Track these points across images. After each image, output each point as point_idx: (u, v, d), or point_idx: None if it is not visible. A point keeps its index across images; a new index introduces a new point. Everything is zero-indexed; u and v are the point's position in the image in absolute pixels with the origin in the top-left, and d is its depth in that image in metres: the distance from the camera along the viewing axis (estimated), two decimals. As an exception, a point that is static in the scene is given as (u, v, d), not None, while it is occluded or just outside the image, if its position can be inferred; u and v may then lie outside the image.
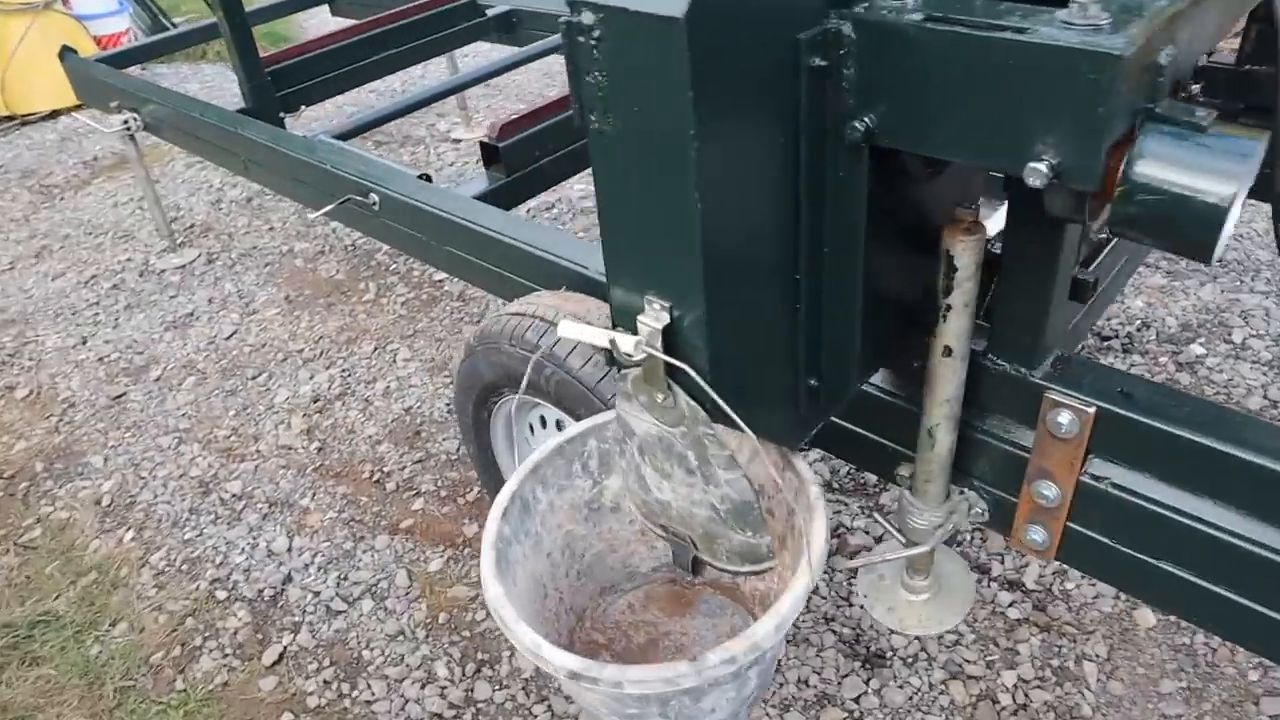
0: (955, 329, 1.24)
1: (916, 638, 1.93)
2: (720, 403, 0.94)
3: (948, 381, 1.29)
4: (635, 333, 0.96)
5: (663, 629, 1.51)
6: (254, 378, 2.98)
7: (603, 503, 1.39)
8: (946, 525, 1.44)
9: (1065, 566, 2.01)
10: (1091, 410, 1.24)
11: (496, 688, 1.99)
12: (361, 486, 2.54)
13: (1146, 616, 1.92)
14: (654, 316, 0.95)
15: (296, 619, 2.19)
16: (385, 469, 2.58)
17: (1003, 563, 2.08)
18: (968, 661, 1.89)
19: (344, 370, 2.96)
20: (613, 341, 0.94)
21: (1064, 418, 1.26)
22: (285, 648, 2.12)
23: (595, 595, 1.51)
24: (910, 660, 1.91)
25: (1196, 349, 2.59)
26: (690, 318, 0.94)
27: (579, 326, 0.97)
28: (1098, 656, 1.86)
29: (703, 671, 0.98)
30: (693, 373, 0.93)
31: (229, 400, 2.90)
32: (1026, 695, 1.82)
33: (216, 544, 2.39)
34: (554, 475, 1.33)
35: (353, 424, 2.75)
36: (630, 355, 0.96)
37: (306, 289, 3.42)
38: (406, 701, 1.98)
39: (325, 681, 2.04)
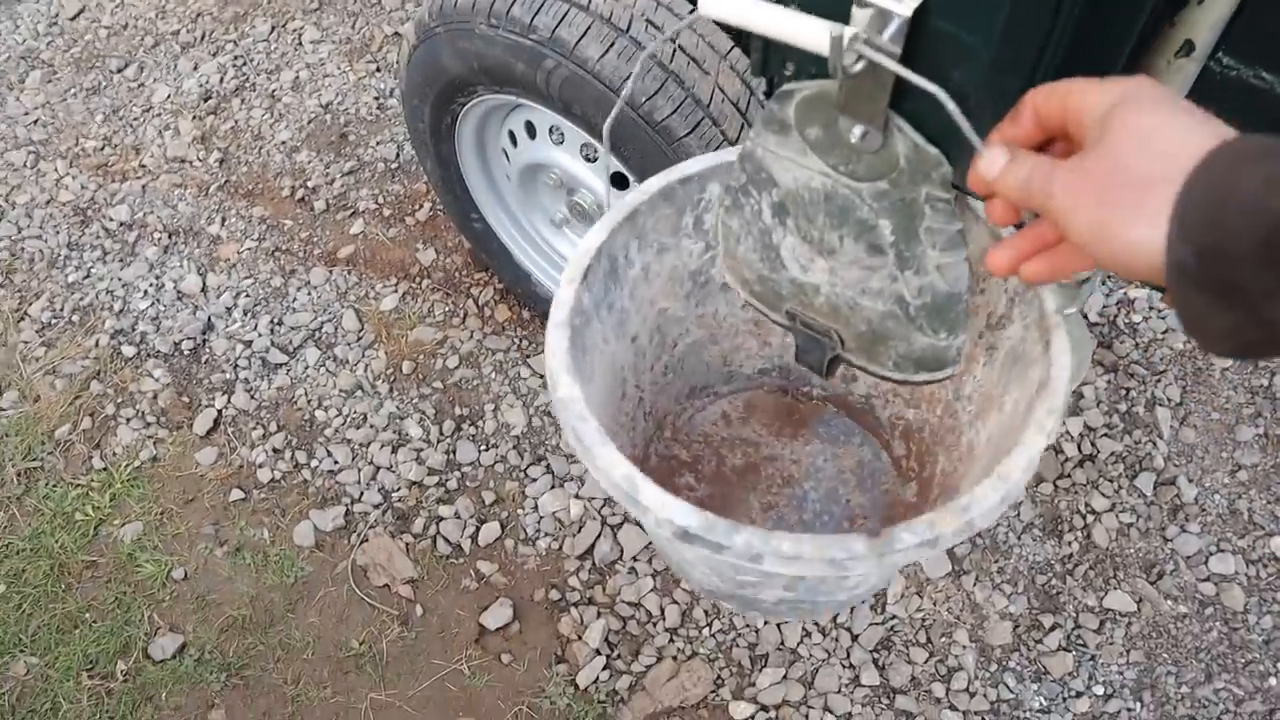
0: (1212, 14, 0.83)
1: (968, 382, 1.69)
2: (962, 121, 0.54)
3: (1170, 92, 0.90)
4: (846, 20, 0.54)
5: (765, 451, 1.17)
6: (120, 70, 2.34)
7: (713, 276, 0.99)
8: (1094, 277, 1.12)
9: (1130, 296, 1.76)
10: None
11: (483, 447, 1.71)
12: (283, 207, 2.07)
13: (1224, 353, 1.71)
14: (890, -7, 0.52)
15: (227, 376, 1.81)
16: (309, 183, 2.09)
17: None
18: (1028, 409, 1.67)
19: (236, 58, 2.35)
20: (837, 44, 0.51)
21: (1318, 143, 0.91)
22: (220, 412, 1.77)
23: (682, 397, 1.14)
24: (962, 408, 1.68)
25: None
26: (968, -4, 0.51)
27: (771, 10, 0.53)
28: (1170, 401, 1.66)
29: (886, 555, 0.66)
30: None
31: (92, 101, 2.29)
32: (1094, 444, 1.63)
33: (111, 286, 1.94)
34: (656, 229, 0.91)
35: (258, 127, 2.20)
36: (856, 62, 0.53)
37: (169, -53, 2.66)
38: (378, 470, 1.69)
39: (275, 450, 1.72)
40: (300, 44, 2.36)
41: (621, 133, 1.23)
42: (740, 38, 1.24)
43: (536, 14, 1.23)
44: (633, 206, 0.84)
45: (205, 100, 2.26)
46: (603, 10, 1.21)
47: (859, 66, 0.54)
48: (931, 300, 0.70)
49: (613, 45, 1.20)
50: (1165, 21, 0.86)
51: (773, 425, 1.16)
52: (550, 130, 1.45)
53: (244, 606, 1.57)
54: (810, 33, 0.52)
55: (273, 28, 2.40)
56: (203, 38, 2.39)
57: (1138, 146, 0.47)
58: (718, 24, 1.16)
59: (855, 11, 0.54)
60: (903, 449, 1.09)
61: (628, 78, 0.97)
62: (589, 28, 1.21)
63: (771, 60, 0.63)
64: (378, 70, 2.28)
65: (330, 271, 1.96)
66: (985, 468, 0.71)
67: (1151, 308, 1.77)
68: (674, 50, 1.20)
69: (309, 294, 1.92)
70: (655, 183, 0.84)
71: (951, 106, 0.53)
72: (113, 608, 1.57)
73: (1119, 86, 0.51)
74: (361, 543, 1.62)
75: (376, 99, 2.23)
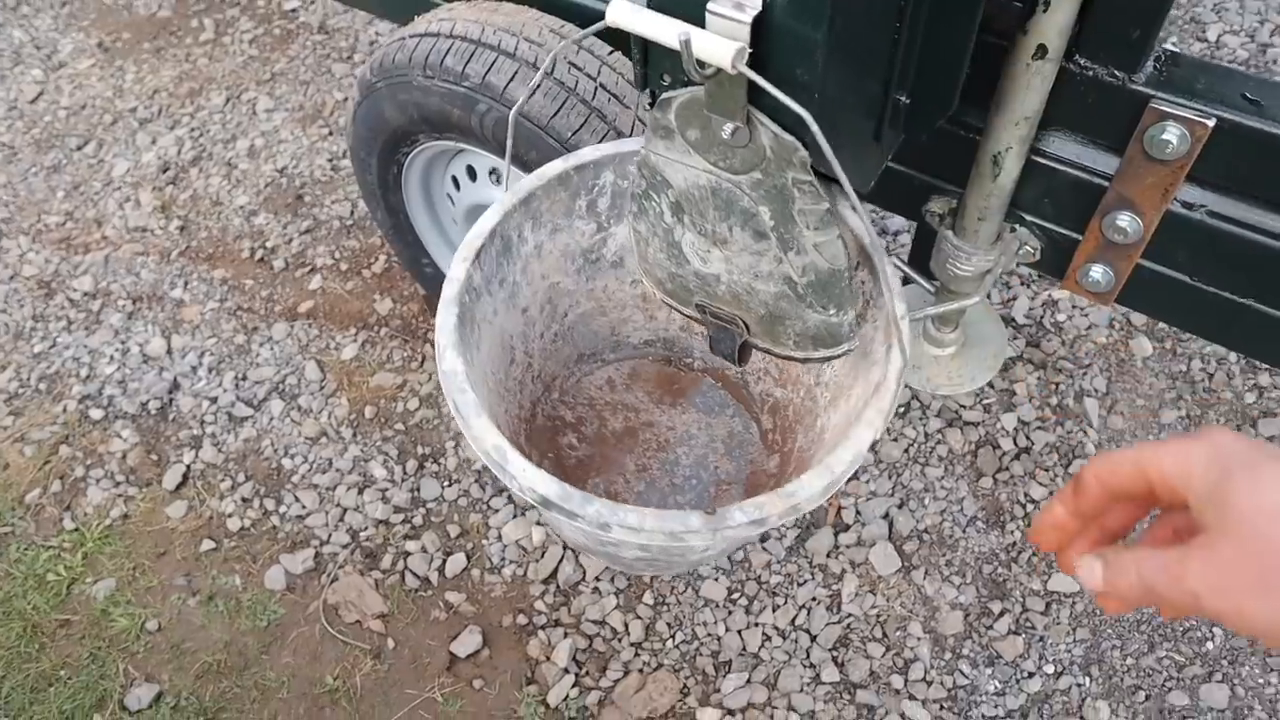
0: (1059, 20, 0.93)
1: (906, 386, 1.78)
2: (824, 143, 0.63)
3: (1033, 93, 1.00)
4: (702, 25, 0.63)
5: (645, 417, 1.27)
6: (79, 148, 2.42)
7: (603, 255, 1.08)
8: (995, 271, 1.21)
9: (1054, 297, 1.86)
10: (1210, 123, 0.98)
11: (445, 483, 1.76)
12: (243, 268, 2.14)
13: (1143, 345, 1.80)
14: (735, 3, 0.61)
15: (195, 432, 1.86)
16: (268, 244, 2.17)
17: (989, 297, 1.91)
18: (964, 408, 1.75)
19: (193, 130, 2.43)
20: (686, 44, 0.60)
21: (1171, 134, 1.01)
22: (189, 467, 1.82)
23: (571, 362, 1.23)
24: (903, 411, 1.76)
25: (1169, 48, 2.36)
26: (797, 2, 0.60)
27: (638, 14, 0.61)
28: (1097, 391, 1.75)
29: (720, 530, 0.74)
30: (799, 109, 0.61)
31: (53, 179, 2.36)
32: (1028, 438, 1.71)
33: (77, 354, 1.99)
34: (550, 211, 1.00)
35: (217, 194, 2.28)
36: (704, 67, 0.62)
37: (124, 32, 2.77)
38: (345, 511, 1.74)
39: (244, 500, 1.77)
40: (255, 113, 2.46)
41: (528, 141, 1.32)
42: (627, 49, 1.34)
43: (468, 63, 1.32)
44: (529, 190, 0.92)
45: (164, 171, 2.33)
46: (528, 56, 1.31)
47: (710, 70, 0.62)
48: (816, 278, 0.78)
49: (539, 87, 1.29)
50: (1019, 29, 0.96)
51: (654, 393, 1.25)
52: (490, 172, 1.53)
53: (219, 652, 1.60)
54: (665, 33, 0.60)
55: (228, 99, 2.50)
56: (160, 113, 2.48)
57: (1269, 520, 0.45)
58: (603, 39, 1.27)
59: (708, 19, 0.62)
60: (770, 423, 1.17)
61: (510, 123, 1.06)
62: (516, 72, 1.30)
63: (651, 73, 0.72)
64: (330, 134, 2.37)
65: (291, 326, 2.02)
66: (829, 451, 0.80)
67: (1075, 307, 1.87)
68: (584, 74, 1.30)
69: (271, 349, 1.98)
70: (553, 169, 0.93)
71: (797, 107, 0.62)
72: (87, 663, 1.60)
73: (1201, 448, 0.49)
74: (332, 582, 1.66)
75: (330, 161, 2.32)
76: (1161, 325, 1.82)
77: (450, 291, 0.91)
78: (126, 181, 2.32)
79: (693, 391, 1.31)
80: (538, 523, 1.69)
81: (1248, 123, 0.98)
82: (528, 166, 1.35)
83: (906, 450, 1.71)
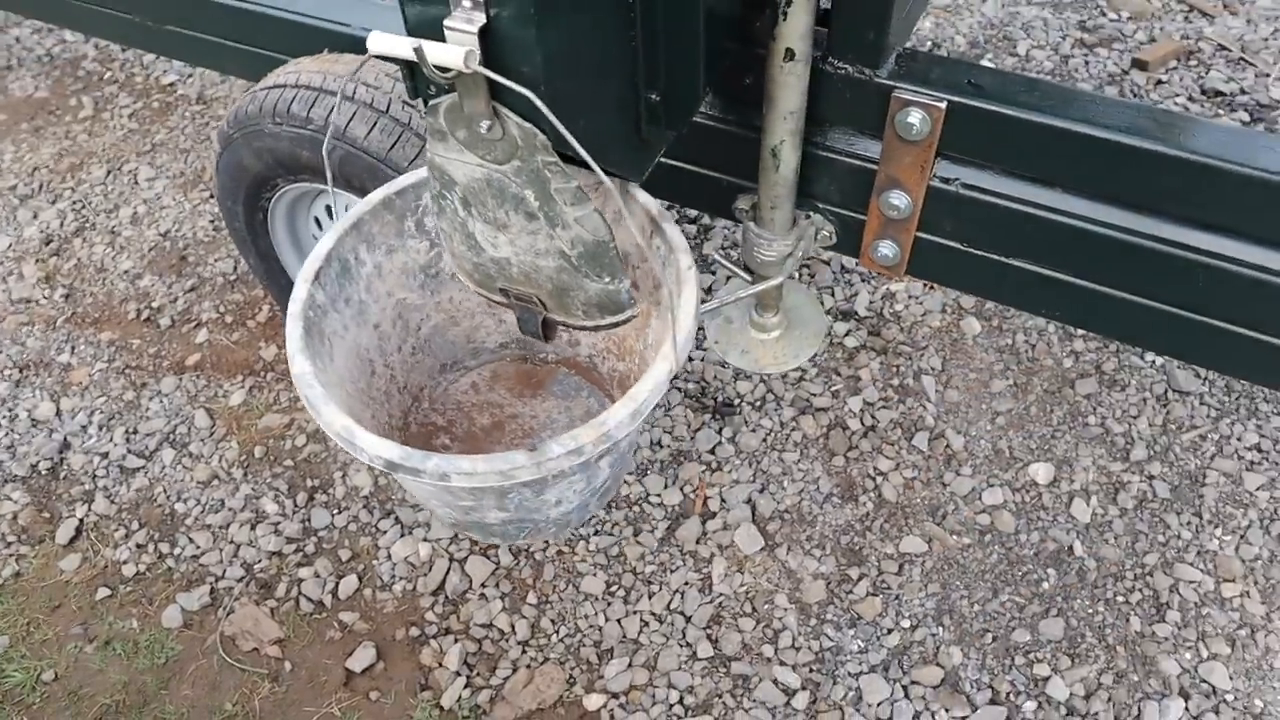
0: (797, 27, 1.09)
1: (761, 380, 1.92)
2: (556, 123, 0.76)
3: (791, 90, 1.16)
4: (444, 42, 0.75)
5: (509, 411, 1.38)
6: (-39, 226, 2.47)
7: (441, 269, 1.19)
8: (796, 254, 1.36)
9: (892, 290, 2.03)
10: (943, 105, 1.15)
11: (335, 511, 1.84)
12: (130, 328, 2.20)
13: (972, 325, 1.98)
14: (465, 18, 0.74)
15: (87, 487, 1.91)
16: (154, 304, 2.24)
17: (833, 295, 2.07)
18: (814, 395, 1.90)
19: (75, 202, 2.50)
20: (419, 52, 0.72)
21: (914, 117, 1.17)
22: (81, 520, 1.86)
23: (435, 373, 1.34)
24: (758, 404, 1.90)
25: (985, 64, 2.60)
26: (513, 12, 0.73)
27: (388, 39, 0.74)
28: (933, 370, 1.91)
29: (542, 463, 0.86)
30: (524, 90, 0.74)
31: (-66, 257, 2.40)
32: (873, 417, 1.86)
33: (-38, 422, 2.02)
34: (382, 233, 1.11)
35: (101, 261, 2.35)
36: (445, 71, 0.75)
37: (1, 114, 2.82)
38: (239, 546, 1.80)
39: (138, 546, 1.81)
40: (136, 182, 2.53)
41: (355, 165, 1.43)
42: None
43: (311, 108, 1.44)
44: (357, 216, 1.04)
45: (47, 244, 2.39)
46: (364, 98, 1.43)
47: (458, 69, 0.75)
48: (585, 249, 0.91)
49: (375, 124, 1.41)
50: (770, 37, 1.12)
51: (515, 389, 1.37)
52: (346, 209, 1.64)
53: (117, 693, 1.64)
54: (405, 49, 0.73)
55: (109, 171, 2.57)
56: (40, 188, 2.54)
57: None
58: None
59: (446, 34, 0.75)
60: (620, 394, 1.30)
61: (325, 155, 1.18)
62: (355, 113, 1.43)
63: (418, 84, 0.84)
64: (211, 197, 2.46)
65: (180, 379, 2.08)
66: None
67: (911, 296, 2.04)
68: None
69: (161, 402, 2.04)
70: (376, 195, 1.05)
71: (528, 94, 0.75)
72: (-17, 717, 1.62)
73: None
74: (228, 614, 1.72)
75: (212, 222, 2.40)
76: (990, 305, 2.00)
77: (294, 308, 1.02)
78: (9, 256, 2.37)
79: (550, 382, 1.43)
80: (424, 539, 1.77)
81: (972, 103, 1.15)
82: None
83: (764, 439, 1.85)
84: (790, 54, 1.12)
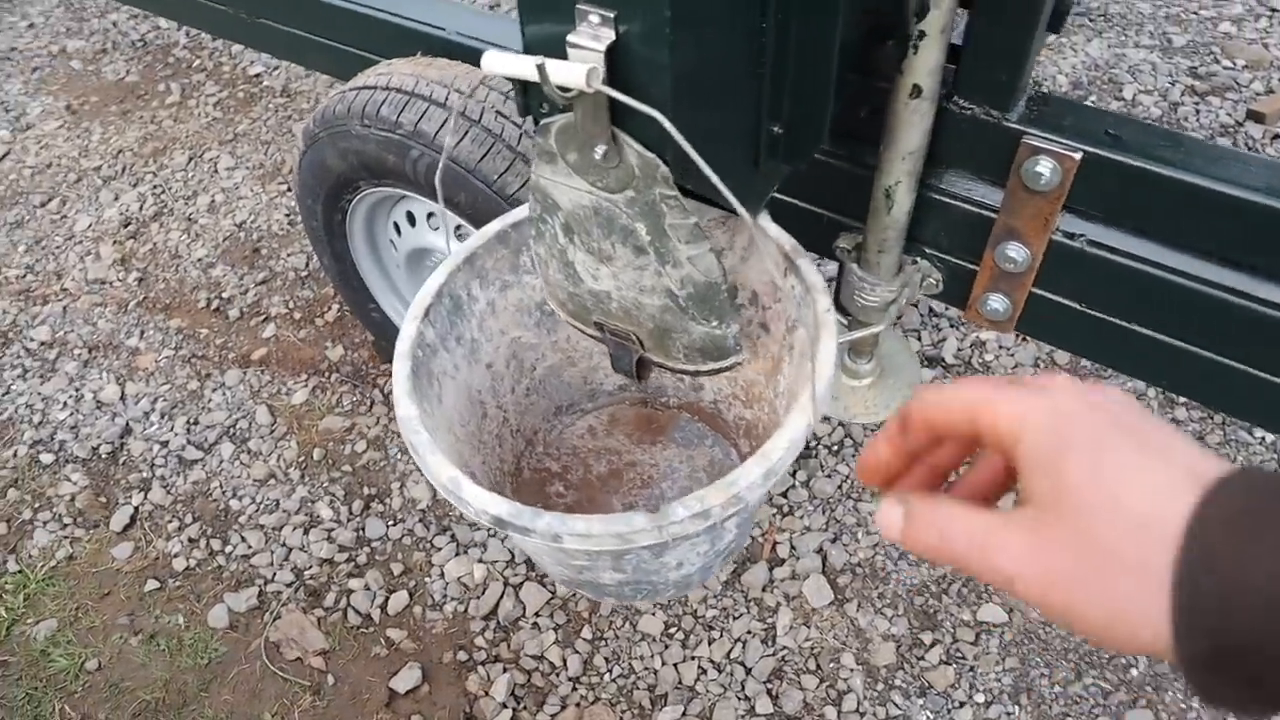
0: (928, 62, 1.02)
1: (840, 423, 1.83)
2: (689, 149, 0.69)
3: (914, 129, 1.08)
4: (565, 59, 0.69)
5: (628, 458, 1.30)
6: (43, 205, 2.49)
7: None
8: (900, 300, 1.28)
9: (982, 338, 1.93)
10: (1078, 156, 1.06)
11: (390, 523, 1.79)
12: (199, 317, 2.19)
13: (1066, 380, 1.87)
14: (592, 34, 0.68)
15: (144, 475, 1.89)
16: (224, 295, 2.22)
17: (919, 339, 1.98)
18: (894, 443, 1.80)
19: (155, 187, 2.50)
20: (542, 70, 0.66)
21: (1044, 166, 1.09)
22: (136, 509, 1.84)
23: (549, 416, 1.27)
24: (835, 448, 1.81)
25: (1042, 89, 2.49)
26: (645, 30, 0.67)
27: (504, 57, 0.68)
28: (1022, 425, 1.81)
29: (664, 527, 0.78)
30: (654, 112, 0.67)
31: (15, 234, 2.42)
32: (956, 472, 1.76)
33: (30, 401, 2.02)
34: (495, 268, 1.05)
35: (176, 247, 2.34)
36: (567, 90, 0.69)
37: (92, 95, 2.85)
38: (290, 550, 1.76)
39: (190, 540, 1.79)
40: (216, 171, 2.53)
41: (457, 183, 1.38)
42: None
43: (401, 112, 1.40)
44: (471, 250, 0.98)
45: (125, 226, 2.39)
46: (457, 105, 1.38)
47: (579, 89, 0.69)
48: (694, 290, 0.84)
49: (467, 133, 1.37)
50: (896, 70, 1.04)
51: (634, 434, 1.29)
52: (429, 216, 1.60)
53: (157, 690, 1.61)
54: (527, 68, 0.67)
55: (190, 158, 2.57)
56: (123, 171, 2.55)
57: (1109, 512, 0.38)
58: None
59: (569, 51, 0.69)
60: (747, 446, 1.21)
61: (440, 164, 1.13)
62: (446, 120, 1.38)
63: (530, 102, 0.78)
64: (288, 190, 2.45)
65: (244, 372, 2.06)
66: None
67: (1001, 347, 1.94)
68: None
69: (224, 394, 2.02)
70: (491, 228, 0.99)
71: (658, 116, 0.68)
72: (23, 704, 1.59)
73: (1041, 409, 0.41)
74: (274, 620, 1.68)
75: (288, 216, 2.39)
76: (1084, 361, 1.89)
77: (403, 347, 0.96)
78: (88, 236, 2.38)
79: (671, 428, 1.35)
80: (479, 560, 1.71)
81: (1110, 155, 1.06)
82: (458, 208, 1.42)
83: (840, 486, 1.76)
84: (917, 90, 1.05)
